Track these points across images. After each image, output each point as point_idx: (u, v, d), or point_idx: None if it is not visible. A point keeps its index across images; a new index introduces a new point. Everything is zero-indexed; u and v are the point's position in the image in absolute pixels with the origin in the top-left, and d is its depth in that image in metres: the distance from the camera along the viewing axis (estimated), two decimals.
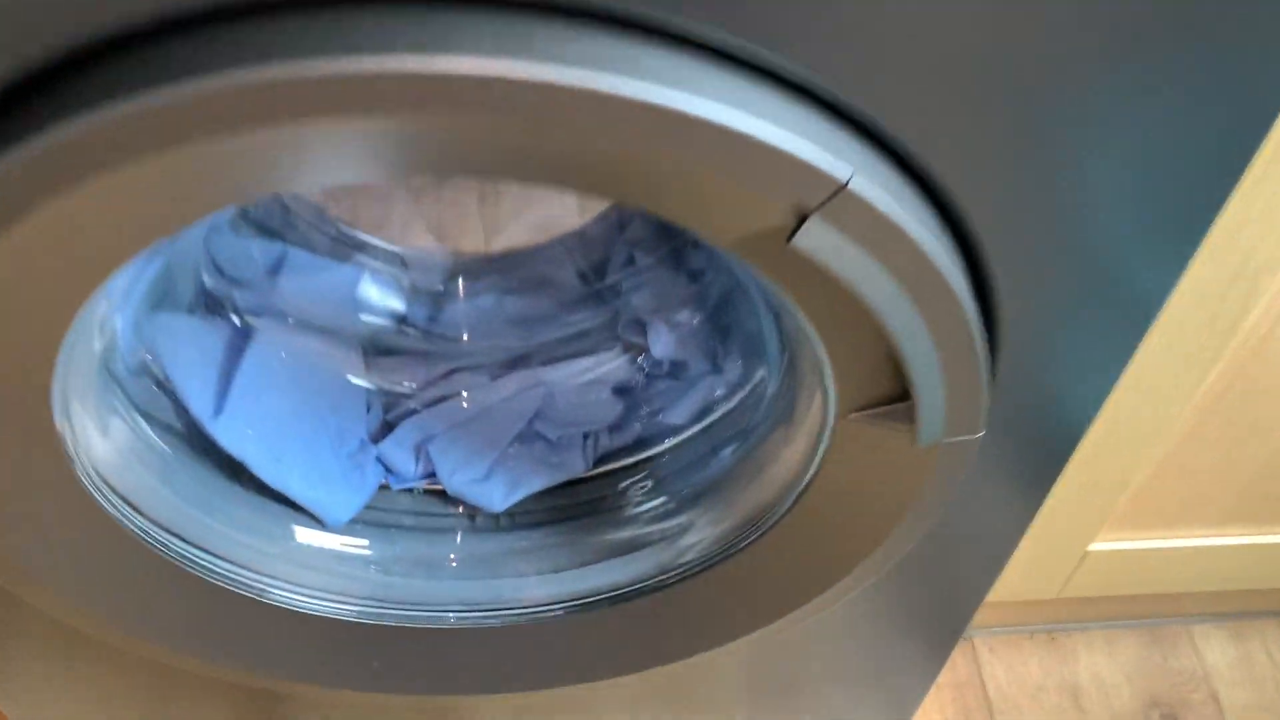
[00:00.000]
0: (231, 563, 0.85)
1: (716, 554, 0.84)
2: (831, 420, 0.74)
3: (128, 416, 0.78)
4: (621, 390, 1.01)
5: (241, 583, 0.85)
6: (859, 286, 0.59)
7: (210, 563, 0.84)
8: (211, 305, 0.90)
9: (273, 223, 0.91)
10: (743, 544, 0.83)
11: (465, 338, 0.99)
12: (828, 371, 0.70)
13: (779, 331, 0.80)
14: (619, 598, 0.87)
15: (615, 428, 1.01)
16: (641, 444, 0.98)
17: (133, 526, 0.76)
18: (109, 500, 0.73)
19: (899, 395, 0.71)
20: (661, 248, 0.96)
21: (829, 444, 0.75)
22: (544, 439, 1.00)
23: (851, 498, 0.77)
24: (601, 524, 0.93)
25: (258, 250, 0.89)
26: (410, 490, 0.98)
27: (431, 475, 0.98)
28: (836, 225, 0.56)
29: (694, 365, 0.98)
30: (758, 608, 0.86)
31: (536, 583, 0.90)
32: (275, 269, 0.90)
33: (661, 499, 0.92)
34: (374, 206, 0.93)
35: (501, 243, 0.97)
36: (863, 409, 0.72)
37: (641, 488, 0.94)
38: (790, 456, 0.79)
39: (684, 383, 0.99)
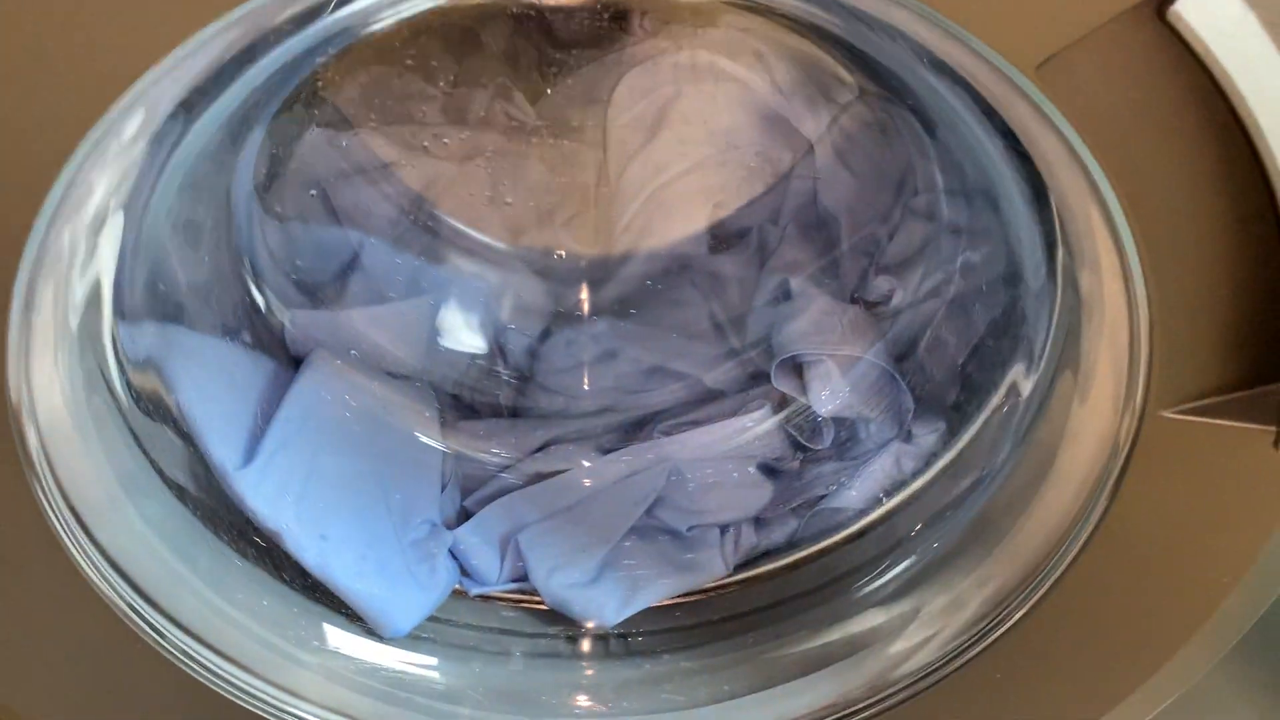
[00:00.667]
0: (245, 669, 0.60)
1: (959, 648, 0.58)
2: (1135, 420, 0.50)
3: (113, 429, 0.56)
4: (770, 470, 0.77)
5: (258, 699, 0.60)
6: (1252, 100, 0.37)
7: (214, 664, 0.59)
8: (253, 330, 0.70)
9: (357, 214, 0.73)
10: (999, 625, 0.57)
11: (571, 388, 0.77)
12: (1142, 336, 0.47)
13: (1051, 292, 0.57)
14: None
15: (762, 521, 0.76)
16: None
17: (95, 577, 0.53)
18: (68, 530, 0.50)
19: (1252, 374, 0.48)
20: (821, 261, 0.75)
21: (1131, 457, 0.51)
22: (669, 532, 0.76)
23: (1165, 538, 0.52)
24: (789, 628, 0.67)
25: (333, 237, 0.70)
26: (491, 598, 0.74)
27: (522, 579, 0.73)
28: None
29: (870, 431, 0.74)
30: None
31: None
32: (348, 267, 0.70)
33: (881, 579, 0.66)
34: (478, 204, 0.74)
35: (621, 245, 0.78)
36: (1193, 400, 0.49)
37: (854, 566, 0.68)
38: (1067, 485, 0.54)
39: (854, 460, 0.75)
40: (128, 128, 0.48)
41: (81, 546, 0.54)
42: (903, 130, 0.71)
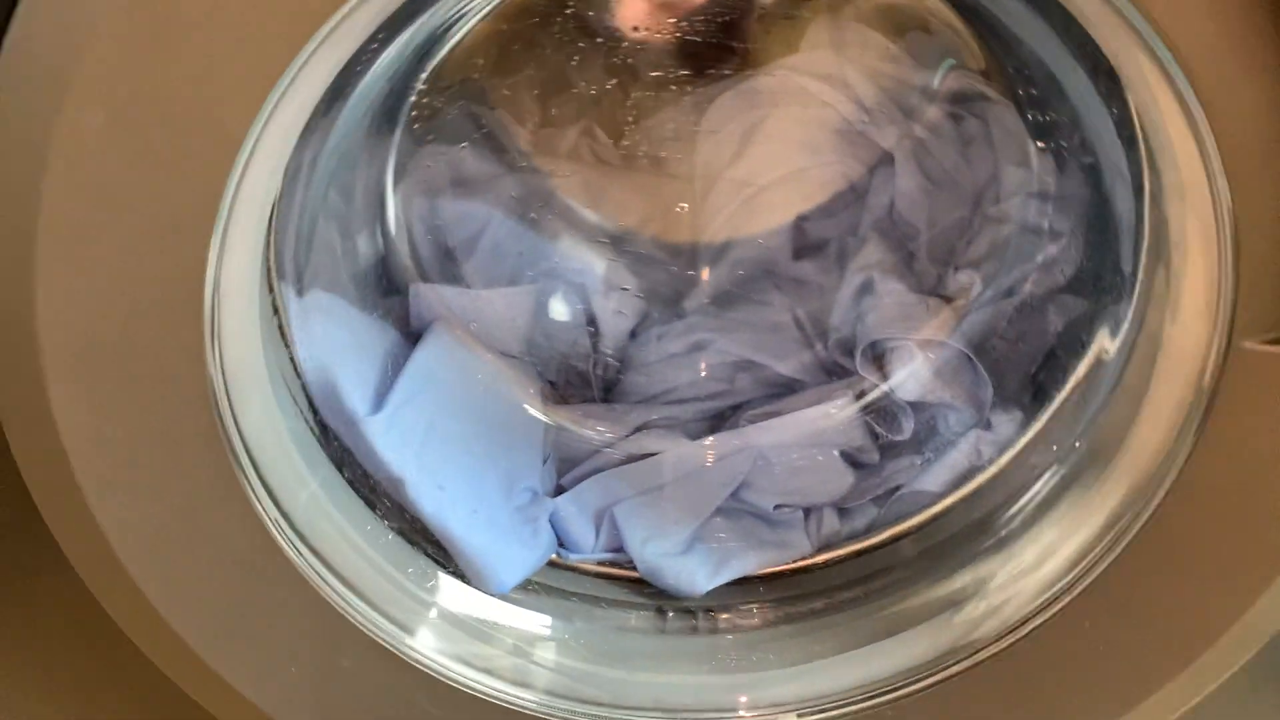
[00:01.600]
0: (367, 601, 0.64)
1: (1046, 601, 0.62)
2: (1220, 353, 0.54)
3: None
4: (851, 460, 0.81)
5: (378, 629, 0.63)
6: None
7: (340, 592, 0.62)
8: (380, 300, 0.76)
9: (484, 191, 0.80)
10: (1088, 575, 0.60)
11: (663, 376, 0.82)
12: (1228, 268, 0.52)
13: (1136, 232, 0.62)
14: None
15: (844, 510, 0.80)
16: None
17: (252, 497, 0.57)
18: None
19: None
20: (901, 261, 0.80)
21: (1216, 392, 0.55)
22: (755, 514, 0.79)
23: (1251, 475, 0.56)
24: (874, 596, 0.71)
25: (459, 211, 0.77)
26: (584, 570, 0.77)
27: (615, 550, 0.77)
28: None
29: (949, 424, 0.78)
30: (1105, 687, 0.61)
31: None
32: (475, 239, 0.78)
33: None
34: (591, 187, 0.82)
35: (709, 250, 0.84)
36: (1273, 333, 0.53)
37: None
38: (1154, 431, 0.58)
39: (934, 452, 0.79)
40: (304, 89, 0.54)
41: (242, 464, 0.59)
42: (994, 137, 0.77)
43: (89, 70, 0.46)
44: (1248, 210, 0.51)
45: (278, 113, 0.51)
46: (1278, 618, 0.59)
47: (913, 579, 0.71)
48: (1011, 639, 0.64)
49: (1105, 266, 0.67)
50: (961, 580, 0.68)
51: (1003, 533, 0.69)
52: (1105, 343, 0.67)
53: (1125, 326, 0.64)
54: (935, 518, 0.75)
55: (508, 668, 0.68)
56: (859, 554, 0.77)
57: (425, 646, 0.65)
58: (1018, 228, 0.76)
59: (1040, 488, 0.68)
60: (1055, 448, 0.70)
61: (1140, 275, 0.61)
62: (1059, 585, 0.63)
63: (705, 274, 0.86)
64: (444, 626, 0.67)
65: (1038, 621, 0.62)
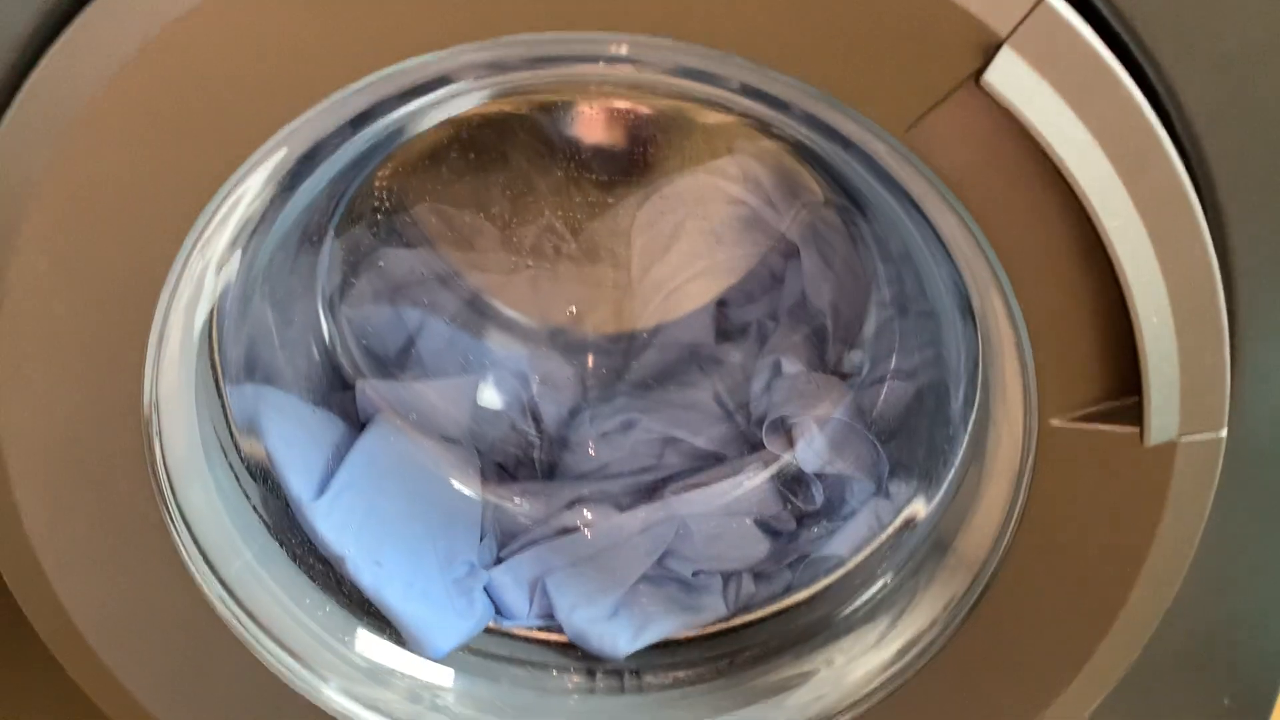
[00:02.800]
0: (297, 658, 0.71)
1: (911, 663, 0.68)
2: (1035, 432, 0.61)
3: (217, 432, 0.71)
4: (767, 528, 0.88)
5: (304, 683, 0.71)
6: (1059, 147, 0.50)
7: (274, 652, 0.70)
8: (327, 396, 0.85)
9: (418, 305, 0.89)
10: (943, 636, 0.66)
11: (593, 453, 0.89)
12: (1029, 361, 0.59)
13: (964, 344, 0.69)
14: None
15: (761, 574, 0.86)
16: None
17: (195, 573, 0.65)
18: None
19: (1120, 387, 0.59)
20: (808, 344, 0.88)
21: (1036, 468, 0.61)
22: (677, 580, 0.86)
23: (1071, 540, 0.62)
24: (775, 654, 0.78)
25: (397, 322, 0.86)
26: (519, 636, 0.84)
27: (547, 617, 0.84)
28: (1031, 59, 0.49)
29: (854, 492, 0.85)
30: None
31: None
32: (409, 345, 0.86)
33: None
34: (523, 304, 0.91)
35: (639, 337, 0.92)
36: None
37: None
38: (993, 509, 0.65)
39: (839, 521, 0.86)
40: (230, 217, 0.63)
41: (184, 543, 0.67)
42: (864, 234, 0.86)
43: (32, 224, 0.56)
44: (1032, 311, 0.57)
45: (201, 243, 0.60)
46: (1113, 675, 0.65)
47: (775, 653, 0.78)
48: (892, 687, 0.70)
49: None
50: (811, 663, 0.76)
51: (846, 622, 0.76)
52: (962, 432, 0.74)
53: (971, 422, 0.71)
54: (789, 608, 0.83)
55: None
56: (768, 618, 0.84)
57: (358, 708, 0.73)
58: (898, 312, 0.84)
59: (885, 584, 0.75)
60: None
61: (980, 373, 0.68)
62: (899, 664, 0.70)
63: (635, 361, 0.94)
64: (381, 691, 0.75)
65: (880, 696, 0.69)
